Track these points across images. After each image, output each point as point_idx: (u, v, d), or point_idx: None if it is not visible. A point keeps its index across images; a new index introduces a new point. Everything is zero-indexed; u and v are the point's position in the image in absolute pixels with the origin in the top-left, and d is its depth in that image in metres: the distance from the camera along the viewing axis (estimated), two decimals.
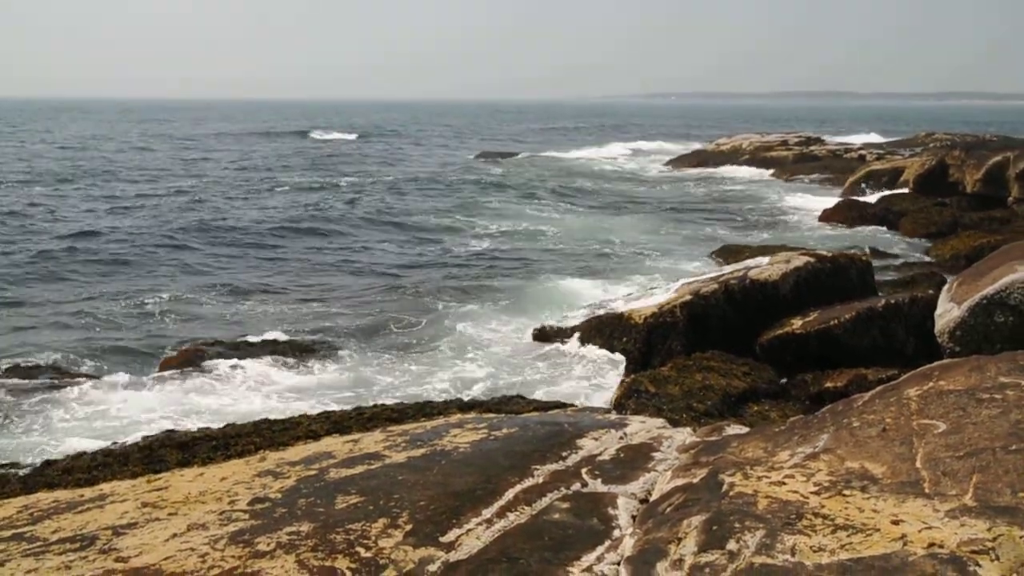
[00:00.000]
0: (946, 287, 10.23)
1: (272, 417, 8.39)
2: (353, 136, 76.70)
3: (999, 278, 9.10)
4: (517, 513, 3.94)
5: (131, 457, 6.62)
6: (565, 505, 4.01)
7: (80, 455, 6.90)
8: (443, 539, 3.71)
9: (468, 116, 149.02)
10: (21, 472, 6.58)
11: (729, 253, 18.29)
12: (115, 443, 7.35)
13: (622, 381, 9.55)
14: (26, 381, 10.56)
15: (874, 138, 63.48)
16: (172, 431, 7.57)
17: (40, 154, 49.97)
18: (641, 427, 5.20)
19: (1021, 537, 2.95)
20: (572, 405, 8.52)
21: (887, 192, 27.37)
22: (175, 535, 3.89)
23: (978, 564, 2.85)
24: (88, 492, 4.87)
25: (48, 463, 6.73)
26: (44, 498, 4.80)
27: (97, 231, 22.50)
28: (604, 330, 11.30)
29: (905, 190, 26.60)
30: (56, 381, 10.59)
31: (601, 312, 12.08)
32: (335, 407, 9.38)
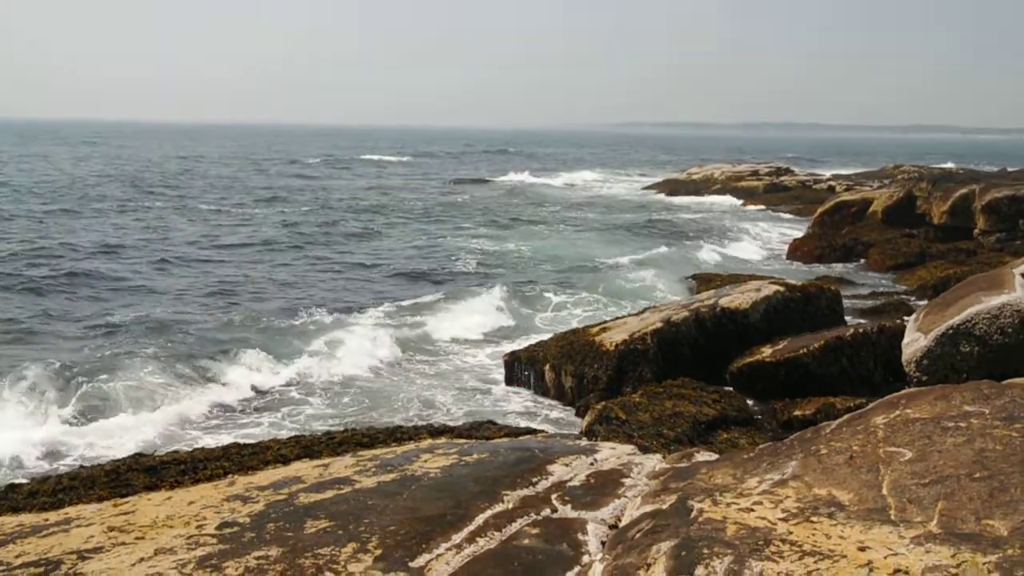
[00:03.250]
0: (913, 317, 10.35)
1: (242, 441, 8.33)
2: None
3: (964, 308, 9.23)
4: (487, 538, 3.94)
5: (97, 481, 6.54)
6: (535, 531, 4.02)
7: (45, 478, 6.81)
8: (413, 564, 3.71)
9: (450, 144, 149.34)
10: None
11: (700, 281, 18.40)
12: (82, 466, 7.26)
13: (592, 407, 9.57)
14: None
15: (843, 169, 64.36)
16: (140, 454, 7.49)
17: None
18: (611, 453, 5.22)
19: (984, 564, 2.99)
20: (543, 431, 8.53)
21: (856, 223, 27.70)
22: (142, 559, 3.86)
23: None
24: (53, 516, 4.82)
25: (12, 486, 6.63)
26: (8, 522, 4.74)
27: None
28: (575, 356, 11.32)
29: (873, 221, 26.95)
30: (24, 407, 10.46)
31: (572, 338, 12.10)
32: (305, 431, 9.35)
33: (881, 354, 10.45)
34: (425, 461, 5.12)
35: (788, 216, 35.51)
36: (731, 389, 10.45)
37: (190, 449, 7.83)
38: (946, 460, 3.88)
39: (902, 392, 5.03)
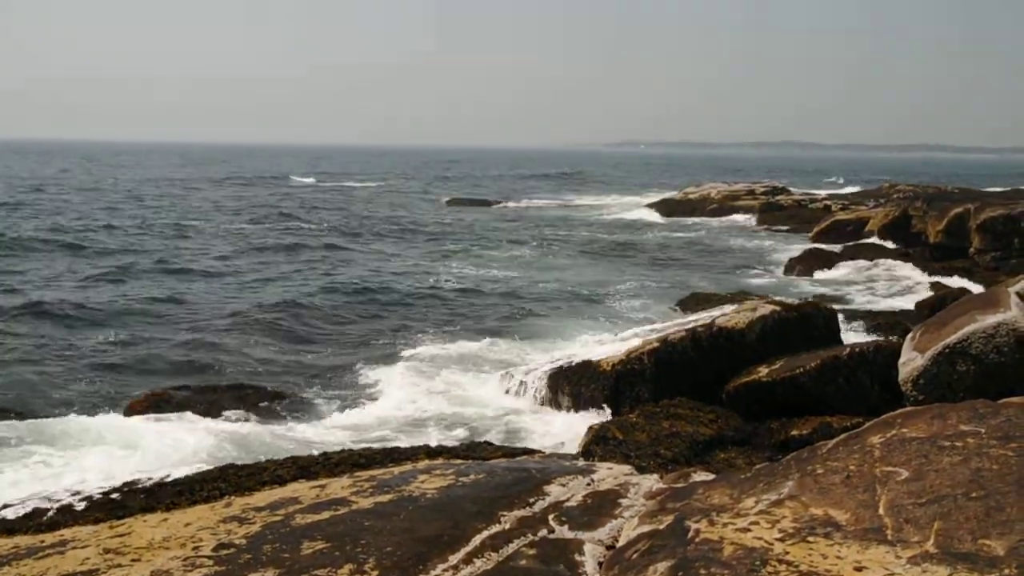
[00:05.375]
0: (910, 336, 10.35)
1: (238, 462, 8.29)
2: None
3: (960, 328, 9.25)
4: (484, 560, 3.93)
5: (93, 502, 6.52)
6: (532, 551, 4.01)
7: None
8: None
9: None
10: None
11: (696, 301, 18.40)
12: (76, 491, 7.22)
13: (590, 427, 9.56)
14: None
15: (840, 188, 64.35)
16: (135, 478, 7.46)
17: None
18: (608, 473, 5.22)
19: None
20: (540, 451, 8.51)
21: (852, 242, 27.78)
22: None
23: None
24: (49, 538, 4.80)
25: (7, 507, 6.61)
26: (3, 544, 4.73)
27: None
28: (572, 377, 11.31)
29: (869, 240, 27.06)
30: (14, 425, 10.42)
31: (569, 359, 12.10)
32: (301, 452, 9.30)
33: (878, 373, 10.44)
34: (422, 482, 5.12)
35: (784, 235, 35.57)
36: (728, 409, 10.43)
37: (186, 470, 7.79)
38: (942, 479, 3.88)
39: (898, 411, 5.03)
